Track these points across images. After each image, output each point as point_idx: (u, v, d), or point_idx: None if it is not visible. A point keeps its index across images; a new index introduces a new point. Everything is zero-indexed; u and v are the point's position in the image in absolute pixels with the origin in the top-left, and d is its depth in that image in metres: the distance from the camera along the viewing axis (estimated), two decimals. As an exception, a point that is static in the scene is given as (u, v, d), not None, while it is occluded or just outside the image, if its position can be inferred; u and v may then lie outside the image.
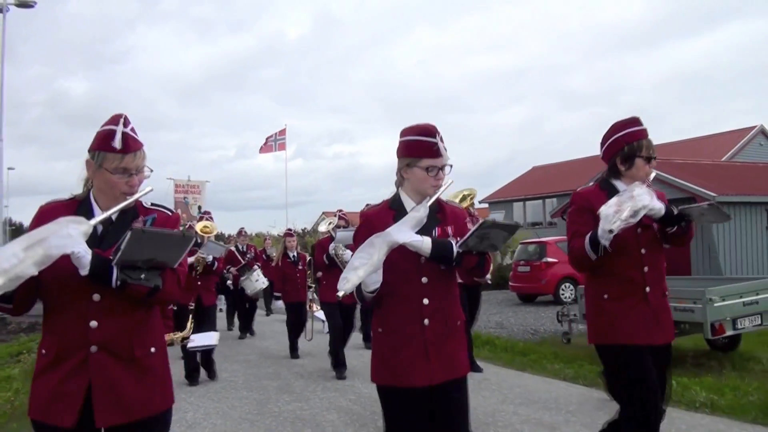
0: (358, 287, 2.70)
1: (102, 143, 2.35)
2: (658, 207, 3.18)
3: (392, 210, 2.91)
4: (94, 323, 2.27)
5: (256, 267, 11.64)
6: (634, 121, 3.35)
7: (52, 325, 2.34)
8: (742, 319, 7.19)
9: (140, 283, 2.26)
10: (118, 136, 2.32)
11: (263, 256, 13.54)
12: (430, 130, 2.83)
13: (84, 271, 2.18)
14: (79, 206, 2.41)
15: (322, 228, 8.69)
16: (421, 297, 2.80)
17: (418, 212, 2.74)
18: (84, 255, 2.17)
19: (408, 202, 2.91)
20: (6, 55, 17.53)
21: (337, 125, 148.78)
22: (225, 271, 11.54)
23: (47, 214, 2.34)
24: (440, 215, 2.92)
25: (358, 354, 8.93)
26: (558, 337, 9.99)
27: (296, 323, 9.69)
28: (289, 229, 10.79)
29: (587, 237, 3.18)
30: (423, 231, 2.75)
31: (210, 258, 7.55)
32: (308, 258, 9.75)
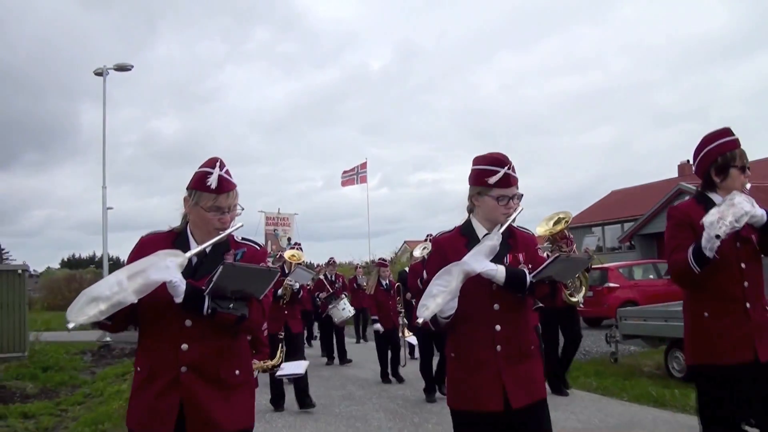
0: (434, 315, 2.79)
1: (198, 183, 2.57)
2: (760, 213, 3.09)
3: (464, 237, 2.97)
4: (185, 346, 2.48)
5: (343, 296, 11.93)
6: (725, 132, 3.31)
7: (147, 345, 2.58)
8: None
9: (229, 312, 2.45)
10: (214, 178, 2.53)
11: (354, 284, 13.99)
12: (501, 160, 2.88)
13: (178, 299, 2.39)
14: (176, 238, 2.64)
15: (417, 253, 8.86)
16: (493, 323, 2.85)
17: (491, 240, 2.78)
18: (179, 284, 2.37)
19: (479, 229, 2.96)
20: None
21: (421, 153, 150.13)
22: (317, 298, 12.06)
23: (147, 244, 2.59)
24: (511, 241, 2.95)
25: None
26: (606, 357, 10.51)
27: (386, 349, 9.81)
28: (383, 259, 11.14)
29: (690, 249, 3.10)
30: (495, 258, 2.80)
31: (297, 286, 7.71)
32: (397, 284, 9.96)
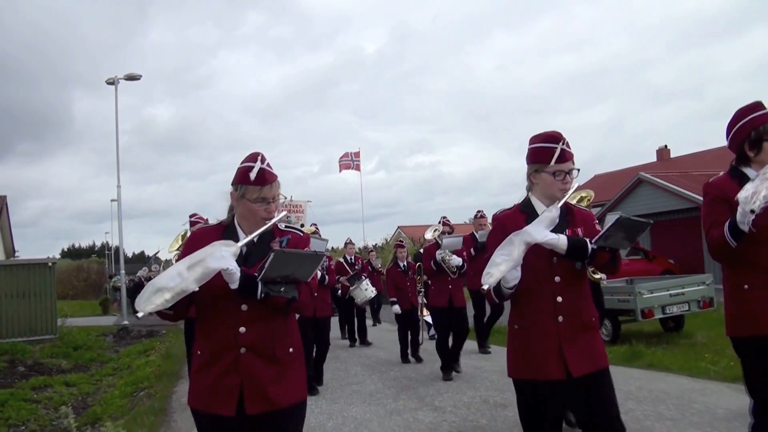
0: (497, 285, 2.84)
1: (243, 177, 2.69)
2: None
3: (524, 213, 3.03)
4: (242, 329, 2.63)
5: (364, 277, 12.01)
6: (758, 106, 3.28)
7: (207, 330, 2.71)
8: (671, 306, 10.04)
9: (280, 295, 2.60)
10: (256, 171, 2.66)
11: (368, 267, 13.85)
12: (555, 137, 2.96)
13: (234, 286, 2.52)
14: (225, 231, 2.76)
15: (428, 235, 8.93)
16: (555, 295, 2.92)
17: (551, 212, 2.85)
18: (235, 272, 2.51)
19: (539, 206, 3.02)
20: (119, 120, 21.25)
21: (418, 136, 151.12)
22: (337, 281, 11.88)
23: (199, 238, 2.72)
24: (569, 217, 3.02)
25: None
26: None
27: (407, 328, 10.02)
28: (400, 241, 11.18)
29: (726, 224, 3.10)
30: (554, 231, 2.85)
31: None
32: (417, 265, 9.98)
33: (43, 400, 9.23)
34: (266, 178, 2.69)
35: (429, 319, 10.02)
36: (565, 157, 2.95)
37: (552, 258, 2.92)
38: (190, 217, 7.55)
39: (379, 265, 14.68)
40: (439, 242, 8.12)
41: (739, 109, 3.35)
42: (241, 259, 2.65)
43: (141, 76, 22.08)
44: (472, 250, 9.21)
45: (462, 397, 7.04)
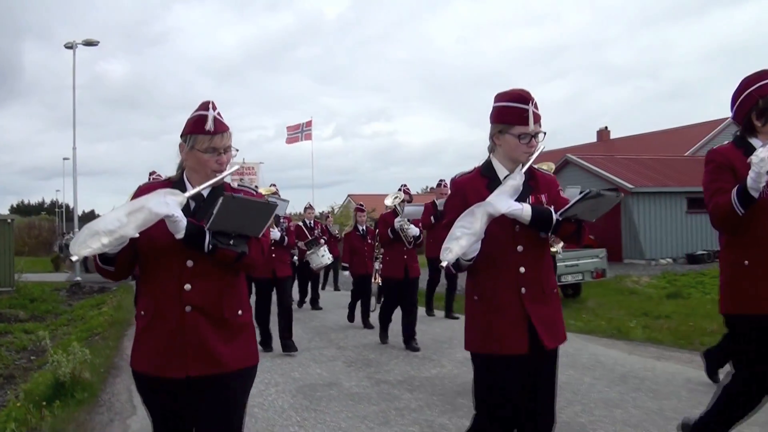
0: None
1: (193, 127, 2.55)
2: None
3: (485, 177, 2.86)
4: (188, 286, 2.48)
5: (322, 242, 11.85)
6: (766, 74, 3.19)
7: (150, 288, 2.56)
8: (566, 276, 11.44)
9: (229, 248, 2.46)
10: (210, 120, 2.52)
11: (327, 232, 13.78)
12: (523, 97, 2.76)
13: (179, 235, 2.37)
14: (173, 185, 2.55)
15: (388, 202, 8.64)
16: (518, 265, 2.78)
17: (514, 180, 2.69)
18: (181, 219, 2.36)
19: (500, 170, 2.85)
20: (81, 94, 21.95)
21: (376, 104, 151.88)
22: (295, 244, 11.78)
23: (145, 192, 2.48)
24: (532, 183, 2.86)
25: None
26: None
27: (360, 294, 9.96)
28: (360, 205, 10.93)
29: (734, 190, 3.00)
30: (517, 199, 2.70)
31: (278, 234, 7.56)
32: (376, 231, 9.75)
33: (5, 344, 10.38)
34: (218, 126, 2.56)
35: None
36: (533, 119, 2.75)
37: (515, 227, 2.77)
38: (150, 174, 7.57)
39: (336, 231, 14.69)
40: (399, 210, 8.00)
41: (746, 77, 3.24)
42: (189, 214, 2.49)
43: (99, 42, 22.86)
44: (432, 218, 9.18)
45: (409, 362, 7.12)
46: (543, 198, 2.85)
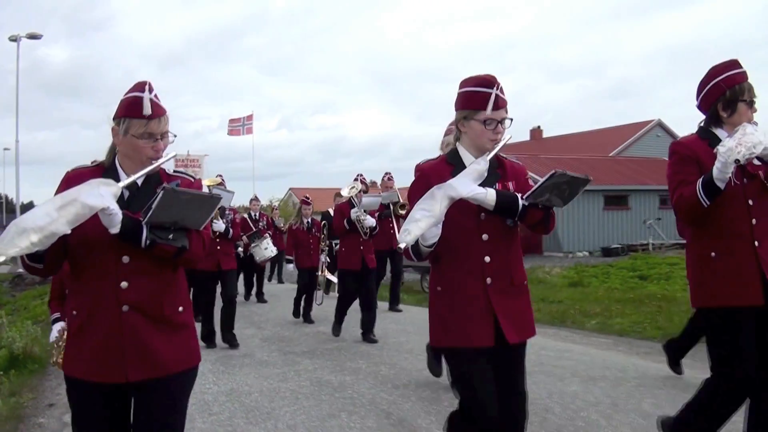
0: (415, 243, 2.57)
1: (127, 109, 2.35)
2: None
3: (450, 165, 2.76)
4: (124, 284, 2.31)
5: (267, 235, 11.66)
6: (734, 64, 3.12)
7: (82, 286, 2.36)
8: None
9: (168, 243, 2.30)
10: (146, 102, 2.33)
11: (272, 225, 13.67)
12: (488, 81, 2.67)
13: (114, 230, 2.19)
14: (105, 172, 2.39)
15: (344, 193, 8.47)
16: (483, 255, 2.67)
17: (479, 165, 2.59)
18: (116, 213, 2.17)
19: (467, 157, 2.75)
20: (22, 82, 22.35)
21: (323, 96, 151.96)
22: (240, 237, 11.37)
23: (74, 179, 2.32)
24: (500, 171, 2.77)
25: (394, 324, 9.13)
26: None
27: (306, 287, 9.62)
28: (306, 197, 10.68)
29: (699, 181, 2.94)
30: (482, 186, 2.60)
31: (222, 226, 7.43)
32: (323, 223, 9.69)
33: (-50, 333, 11.10)
34: (155, 110, 2.36)
35: (331, 277, 10.03)
36: (498, 104, 2.67)
37: (480, 214, 2.67)
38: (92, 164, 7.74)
39: (282, 224, 14.62)
40: (354, 201, 7.81)
41: (714, 66, 3.17)
42: (123, 205, 2.30)
43: (42, 35, 23.14)
44: (377, 214, 8.75)
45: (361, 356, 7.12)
46: (510, 186, 2.76)
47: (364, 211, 7.78)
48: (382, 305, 10.52)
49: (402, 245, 2.51)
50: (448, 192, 2.52)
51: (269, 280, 15.93)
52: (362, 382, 5.71)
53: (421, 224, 2.49)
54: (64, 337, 3.32)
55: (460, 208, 2.59)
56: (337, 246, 8.96)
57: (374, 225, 7.83)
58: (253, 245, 11.29)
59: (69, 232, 2.13)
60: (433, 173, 2.76)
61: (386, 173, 10.16)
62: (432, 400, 5.07)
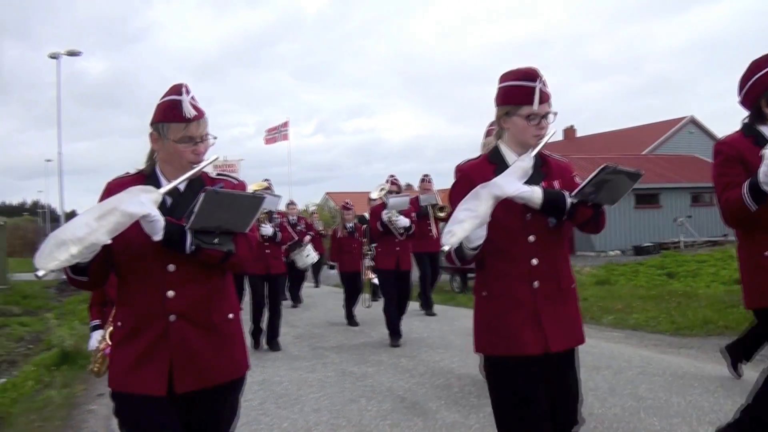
0: (459, 245, 2.43)
1: (165, 114, 2.29)
2: None
3: (492, 164, 2.63)
4: (171, 293, 2.25)
5: (308, 238, 11.58)
6: None
7: (127, 296, 2.32)
8: None
9: (214, 248, 2.22)
10: (185, 105, 2.27)
11: (312, 228, 13.34)
12: (530, 74, 2.54)
13: (157, 237, 2.13)
14: (146, 180, 2.33)
15: (374, 195, 8.52)
16: (530, 257, 2.55)
17: (523, 162, 2.46)
18: (158, 219, 2.12)
19: (509, 155, 2.62)
20: (61, 94, 23.23)
21: (357, 100, 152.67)
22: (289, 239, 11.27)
23: (115, 189, 2.23)
24: (545, 169, 2.64)
25: (418, 321, 9.36)
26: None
27: (352, 292, 9.66)
28: (347, 202, 10.57)
29: (745, 185, 2.82)
30: (527, 184, 2.47)
31: (270, 230, 7.43)
32: (364, 228, 9.56)
33: (5, 335, 11.84)
34: (192, 112, 2.30)
35: (376, 281, 9.65)
36: (542, 98, 2.53)
37: (526, 214, 2.54)
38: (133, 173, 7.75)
39: (321, 228, 14.57)
40: (386, 202, 7.72)
41: (755, 60, 3.04)
42: (166, 212, 2.24)
43: (81, 52, 24.13)
44: (414, 215, 8.42)
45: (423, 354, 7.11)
46: (556, 184, 2.62)
47: (396, 211, 7.61)
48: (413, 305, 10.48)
49: (446, 247, 2.38)
50: (493, 191, 2.39)
51: (315, 286, 15.68)
52: (383, 373, 6.21)
53: (466, 225, 2.36)
54: (103, 345, 3.55)
55: (505, 208, 2.45)
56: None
57: (408, 225, 7.67)
58: (294, 252, 11.14)
59: (109, 242, 2.07)
60: (475, 173, 2.62)
61: (424, 175, 9.86)
62: (444, 386, 5.52)
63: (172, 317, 2.27)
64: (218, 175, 2.53)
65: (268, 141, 32.97)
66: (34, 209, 73.37)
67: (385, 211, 7.62)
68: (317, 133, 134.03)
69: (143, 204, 2.10)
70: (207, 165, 2.36)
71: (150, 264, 2.26)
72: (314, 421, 4.73)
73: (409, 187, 14.42)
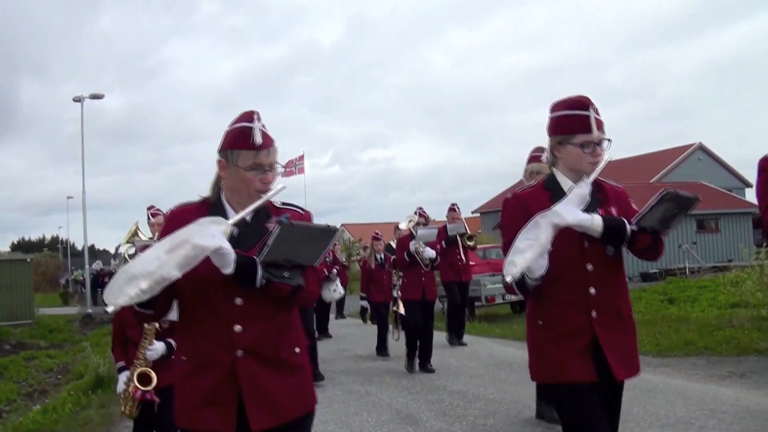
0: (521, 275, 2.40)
1: (236, 141, 2.25)
2: None
3: (548, 191, 2.63)
4: (238, 327, 2.20)
5: (335, 271, 11.63)
6: None
7: (192, 330, 2.26)
8: (509, 295, 12.44)
9: (284, 282, 2.19)
10: (257, 132, 2.23)
11: (337, 260, 13.42)
12: (582, 103, 2.55)
13: (228, 270, 2.09)
14: (211, 208, 2.30)
15: (402, 226, 8.59)
16: (587, 286, 2.52)
17: (581, 189, 2.46)
18: (229, 252, 2.08)
19: (564, 182, 2.61)
20: (85, 135, 24.28)
21: (373, 130, 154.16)
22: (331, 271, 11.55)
23: (180, 217, 2.24)
24: (600, 195, 2.62)
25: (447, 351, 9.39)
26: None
27: (384, 322, 9.66)
28: (377, 233, 10.65)
29: None
30: (585, 212, 2.46)
31: (427, 253, 7.74)
32: (393, 258, 9.46)
33: (34, 366, 12.62)
34: (264, 140, 2.26)
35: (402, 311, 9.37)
36: (594, 126, 2.53)
37: (583, 242, 2.52)
38: (149, 209, 7.03)
39: (344, 259, 14.91)
40: (414, 233, 7.88)
41: None
42: (233, 243, 2.15)
43: (104, 95, 25.28)
44: (443, 243, 8.98)
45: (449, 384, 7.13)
46: (613, 210, 2.61)
47: (423, 243, 7.76)
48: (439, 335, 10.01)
49: (508, 278, 2.36)
50: (554, 219, 2.38)
51: (336, 317, 15.73)
52: (384, 391, 6.96)
53: (527, 255, 2.34)
54: (131, 387, 3.56)
55: (562, 237, 2.43)
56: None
57: (434, 256, 7.83)
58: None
59: (180, 276, 2.04)
60: (532, 200, 2.61)
61: (452, 204, 9.82)
62: (436, 401, 6.24)
63: (240, 352, 2.22)
64: (283, 204, 2.46)
65: (284, 174, 33.70)
66: (54, 244, 74.46)
67: (412, 242, 7.79)
68: (333, 164, 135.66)
69: (214, 236, 2.06)
70: (275, 194, 2.31)
71: (217, 297, 2.21)
72: (321, 430, 5.47)
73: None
